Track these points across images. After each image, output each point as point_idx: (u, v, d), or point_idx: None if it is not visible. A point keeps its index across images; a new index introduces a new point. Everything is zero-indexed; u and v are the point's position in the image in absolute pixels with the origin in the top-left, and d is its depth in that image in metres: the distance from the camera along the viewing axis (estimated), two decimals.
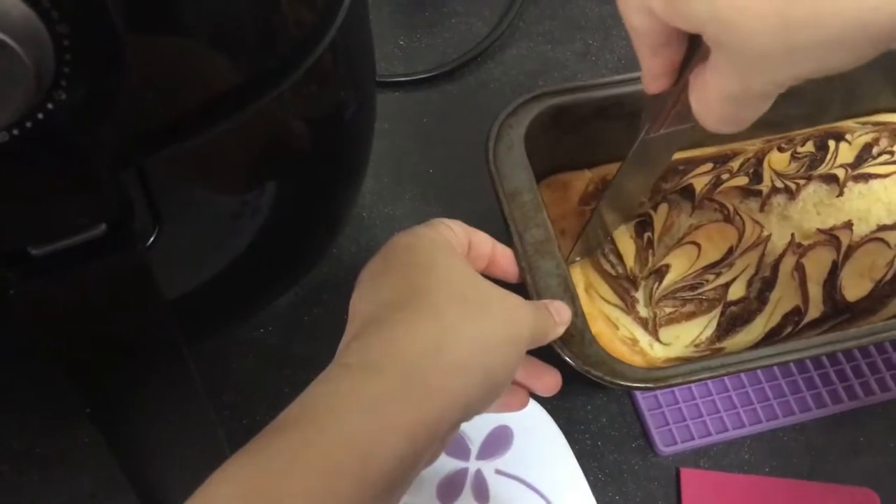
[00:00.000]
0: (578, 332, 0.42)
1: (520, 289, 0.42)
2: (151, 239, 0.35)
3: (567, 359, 0.42)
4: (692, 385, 0.51)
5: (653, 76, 0.35)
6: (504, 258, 0.44)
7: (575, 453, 0.48)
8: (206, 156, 0.36)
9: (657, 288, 0.48)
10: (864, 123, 0.58)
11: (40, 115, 0.24)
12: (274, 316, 0.53)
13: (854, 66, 0.28)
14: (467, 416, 0.34)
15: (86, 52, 0.24)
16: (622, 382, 0.42)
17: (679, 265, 0.48)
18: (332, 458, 0.28)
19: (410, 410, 0.31)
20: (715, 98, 0.32)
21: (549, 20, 0.69)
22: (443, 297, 0.34)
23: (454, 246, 0.39)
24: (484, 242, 0.42)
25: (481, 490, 0.47)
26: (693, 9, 0.28)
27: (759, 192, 0.50)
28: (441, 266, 0.36)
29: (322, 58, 0.37)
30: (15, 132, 0.24)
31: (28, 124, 0.24)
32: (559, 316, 0.41)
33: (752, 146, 0.56)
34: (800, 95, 0.57)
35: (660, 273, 0.48)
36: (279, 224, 0.43)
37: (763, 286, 0.48)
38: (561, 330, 0.41)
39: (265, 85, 0.35)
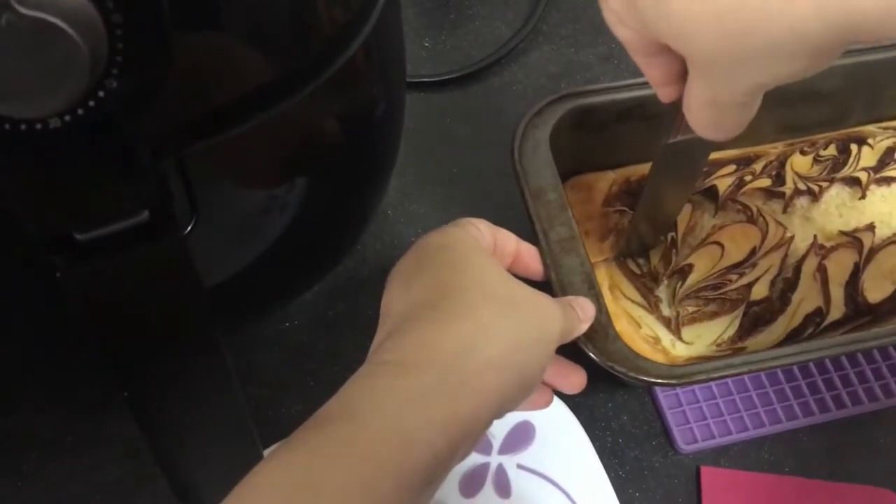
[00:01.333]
0: (602, 329, 0.43)
1: (544, 286, 0.42)
2: (189, 228, 0.35)
3: (591, 355, 0.42)
4: (713, 384, 0.51)
5: (657, 85, 0.36)
6: (529, 255, 0.44)
7: (596, 450, 0.48)
8: (242, 149, 0.36)
9: (680, 287, 0.48)
10: (886, 128, 0.58)
11: (91, 103, 0.25)
12: (299, 310, 0.54)
13: (811, 73, 0.29)
14: (500, 413, 0.34)
15: (137, 42, 0.25)
16: (645, 378, 0.42)
17: (702, 265, 0.49)
18: (374, 451, 0.29)
19: (447, 406, 0.31)
20: (695, 105, 0.33)
21: (571, 23, 0.69)
22: (476, 295, 0.35)
23: (483, 245, 0.40)
24: (508, 240, 0.43)
25: (503, 484, 0.47)
26: (651, 20, 0.30)
27: (782, 194, 0.51)
28: (473, 265, 0.37)
29: (356, 55, 0.38)
30: (67, 118, 0.25)
31: (80, 111, 0.25)
32: (584, 313, 0.42)
33: (774, 149, 0.56)
34: (822, 100, 0.57)
35: (683, 273, 0.49)
36: (309, 218, 0.44)
37: (785, 287, 0.48)
38: (585, 327, 0.42)
39: (300, 81, 0.36)
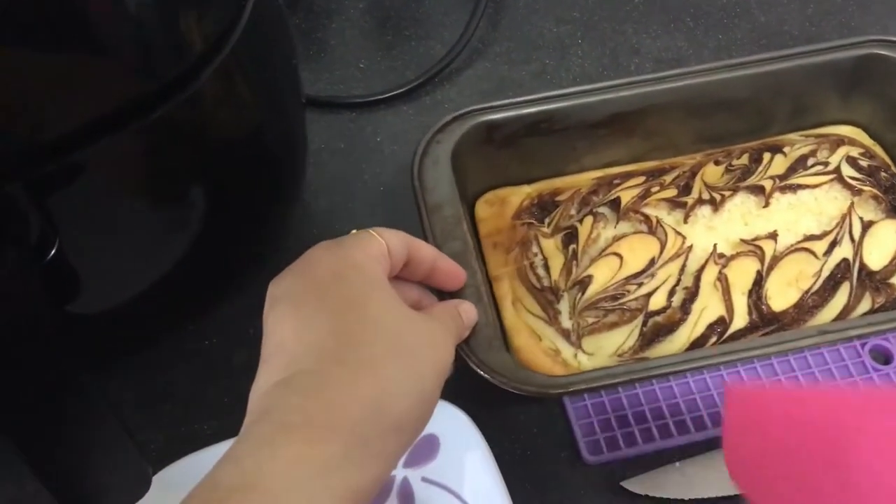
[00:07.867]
0: (486, 340, 0.44)
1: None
2: (52, 252, 0.36)
3: (472, 365, 0.43)
4: (622, 395, 0.51)
5: None
6: (445, 272, 0.44)
7: (504, 463, 0.48)
8: (102, 172, 0.37)
9: (580, 298, 0.49)
10: (807, 136, 0.58)
11: None
12: (219, 327, 0.55)
13: None
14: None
15: None
16: (529, 388, 0.43)
17: (601, 276, 0.49)
18: None
19: (353, 477, 0.32)
20: None
21: (507, 41, 0.70)
22: (380, 348, 0.34)
23: (382, 271, 0.38)
24: (426, 255, 0.43)
25: (407, 496, 0.48)
26: None
27: (685, 204, 0.51)
28: (374, 305, 0.36)
29: (216, 82, 0.39)
30: None
31: None
32: (467, 317, 0.43)
33: (691, 160, 0.56)
34: (742, 110, 0.57)
35: (583, 284, 0.49)
36: (205, 239, 0.45)
37: (686, 296, 0.48)
38: (467, 333, 0.43)
39: (153, 101, 0.37)
